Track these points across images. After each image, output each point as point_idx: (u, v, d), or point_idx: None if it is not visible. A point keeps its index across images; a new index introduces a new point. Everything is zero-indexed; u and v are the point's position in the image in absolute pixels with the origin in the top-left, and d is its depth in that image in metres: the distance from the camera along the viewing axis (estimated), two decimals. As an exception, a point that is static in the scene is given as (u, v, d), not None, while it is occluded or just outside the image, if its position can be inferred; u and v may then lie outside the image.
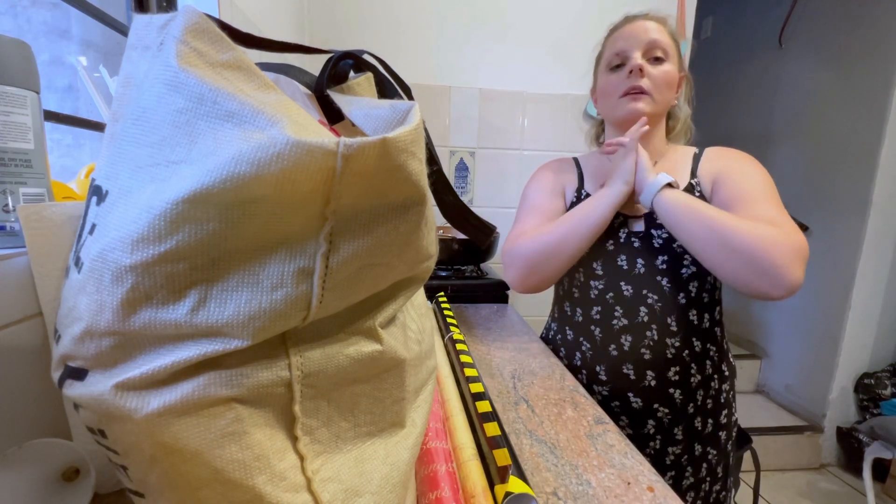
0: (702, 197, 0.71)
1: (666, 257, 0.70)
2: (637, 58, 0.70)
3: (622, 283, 0.72)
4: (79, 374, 0.21)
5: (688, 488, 0.73)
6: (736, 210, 0.63)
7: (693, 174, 0.73)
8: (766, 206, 0.62)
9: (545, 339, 0.88)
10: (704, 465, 0.73)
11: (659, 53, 0.71)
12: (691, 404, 0.71)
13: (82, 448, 0.31)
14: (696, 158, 0.75)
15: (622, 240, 0.73)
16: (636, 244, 0.72)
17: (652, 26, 0.71)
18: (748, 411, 2.12)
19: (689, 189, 0.72)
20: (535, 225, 0.76)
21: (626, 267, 0.72)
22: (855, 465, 1.82)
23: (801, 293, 2.07)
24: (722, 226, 0.59)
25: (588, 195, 0.78)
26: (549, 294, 0.89)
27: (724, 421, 0.75)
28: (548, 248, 0.70)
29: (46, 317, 0.33)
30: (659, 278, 0.71)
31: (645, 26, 0.71)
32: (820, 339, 2.00)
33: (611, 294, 0.73)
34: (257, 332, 0.19)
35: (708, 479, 0.74)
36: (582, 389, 0.63)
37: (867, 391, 1.87)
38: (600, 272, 0.74)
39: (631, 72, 0.70)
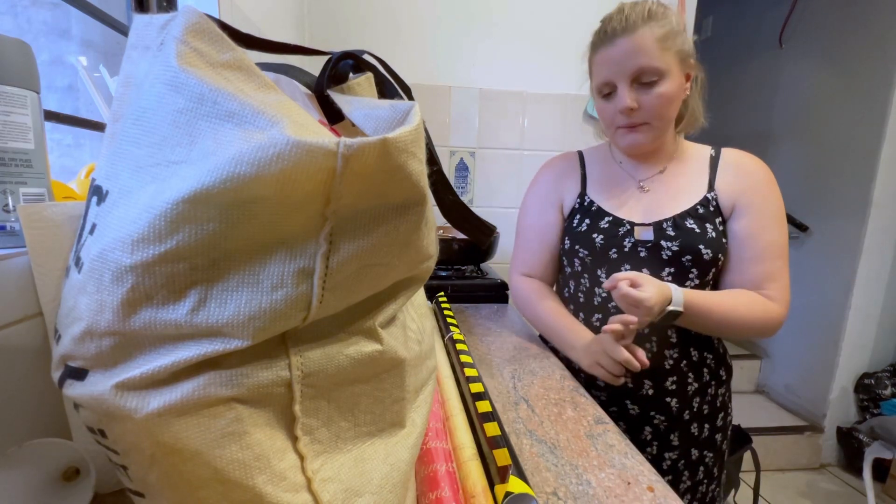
0: (717, 210, 0.70)
1: (673, 269, 0.69)
2: (625, 96, 0.65)
3: None
4: (79, 373, 0.21)
5: (685, 492, 0.73)
6: (748, 257, 0.68)
7: (710, 186, 0.71)
8: (774, 263, 0.67)
9: (545, 339, 0.88)
10: (701, 468, 0.73)
11: (651, 78, 0.64)
12: (687, 411, 0.71)
13: (82, 448, 0.31)
14: (714, 164, 0.72)
15: (627, 249, 0.71)
16: (643, 254, 0.70)
17: (638, 44, 0.63)
18: (748, 411, 2.12)
19: (705, 203, 0.70)
20: (532, 253, 0.83)
21: None
22: (855, 465, 1.82)
23: (801, 293, 2.07)
24: (728, 328, 0.67)
25: (591, 203, 0.77)
26: (549, 294, 0.89)
27: (721, 424, 0.75)
28: (534, 326, 0.84)
29: (46, 317, 0.33)
30: None
31: (629, 48, 0.63)
32: (820, 339, 2.00)
33: (613, 303, 0.72)
34: (257, 332, 0.19)
35: (705, 481, 0.74)
36: (582, 389, 0.63)
37: (867, 391, 1.87)
38: (604, 279, 0.73)
39: (621, 112, 0.67)
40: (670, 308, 0.61)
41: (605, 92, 0.70)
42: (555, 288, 0.88)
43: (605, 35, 0.67)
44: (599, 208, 0.76)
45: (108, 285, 0.19)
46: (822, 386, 1.97)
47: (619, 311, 0.71)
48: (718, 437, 0.74)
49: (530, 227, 0.84)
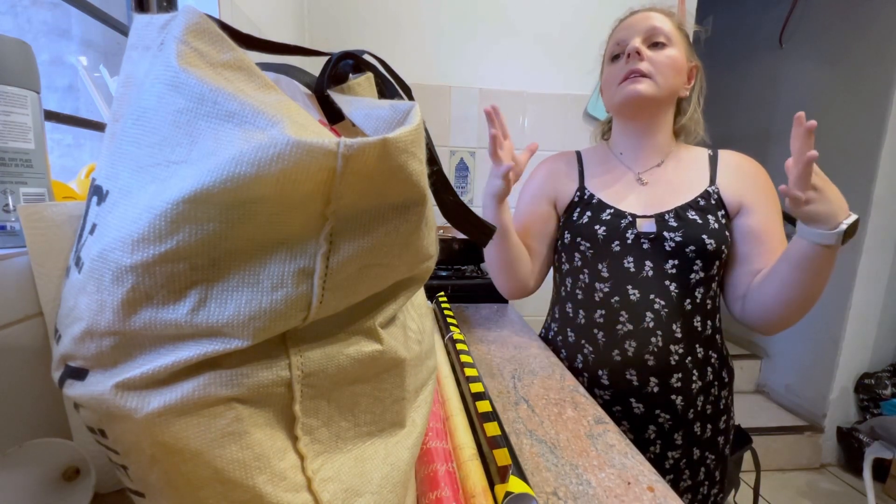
0: (719, 204, 0.70)
1: (677, 261, 0.69)
2: (636, 42, 0.69)
3: (629, 287, 0.71)
4: (79, 373, 0.21)
5: (684, 490, 0.73)
6: (771, 248, 0.69)
7: (712, 180, 0.72)
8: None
9: (544, 338, 0.87)
10: (702, 469, 0.73)
11: (660, 39, 0.69)
12: (692, 410, 0.70)
13: (82, 448, 0.31)
14: (713, 162, 0.74)
15: (629, 241, 0.71)
16: (645, 246, 0.70)
17: (655, 15, 0.71)
18: (748, 411, 2.12)
19: (706, 195, 0.71)
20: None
21: (633, 269, 0.71)
22: (855, 465, 1.82)
23: (801, 293, 2.07)
24: (824, 283, 0.63)
25: (591, 196, 0.77)
26: (548, 293, 0.89)
27: (723, 426, 0.74)
28: (487, 262, 0.82)
29: (47, 317, 0.33)
30: (667, 283, 0.69)
31: (647, 15, 0.71)
32: (820, 339, 2.00)
33: (616, 298, 0.71)
34: (257, 332, 0.19)
35: (706, 483, 0.74)
36: (582, 389, 0.63)
37: (867, 391, 1.87)
38: (606, 274, 0.73)
39: (629, 56, 0.70)
40: (852, 218, 0.56)
41: (616, 53, 0.73)
42: (552, 288, 0.88)
43: (627, 13, 0.75)
44: (600, 201, 0.76)
45: (108, 285, 0.19)
46: (822, 386, 1.97)
47: (622, 306, 0.71)
48: (720, 439, 0.74)
49: (518, 213, 0.86)
